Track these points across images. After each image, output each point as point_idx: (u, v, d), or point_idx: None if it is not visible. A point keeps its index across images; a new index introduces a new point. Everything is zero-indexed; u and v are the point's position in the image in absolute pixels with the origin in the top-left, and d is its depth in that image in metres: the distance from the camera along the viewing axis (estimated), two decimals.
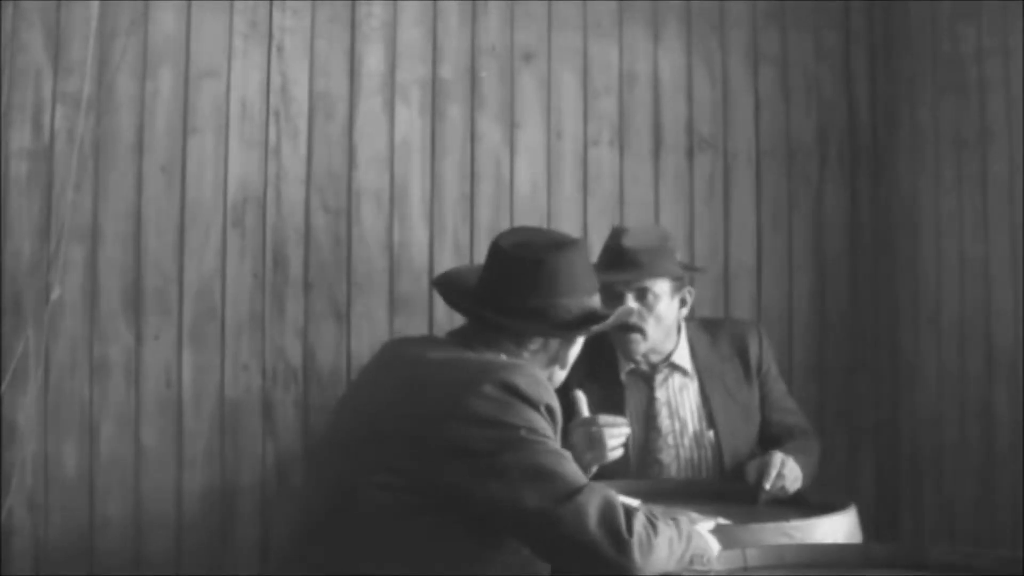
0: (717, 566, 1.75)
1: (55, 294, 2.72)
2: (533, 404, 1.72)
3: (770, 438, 2.61)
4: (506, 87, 3.10)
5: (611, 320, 1.94)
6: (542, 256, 1.90)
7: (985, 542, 2.78)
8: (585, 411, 2.29)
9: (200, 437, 2.83)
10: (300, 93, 2.95)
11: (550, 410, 1.75)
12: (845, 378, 3.27)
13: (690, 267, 2.79)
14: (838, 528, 2.08)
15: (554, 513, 1.65)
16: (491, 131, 3.09)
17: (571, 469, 1.70)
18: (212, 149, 2.87)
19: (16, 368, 2.67)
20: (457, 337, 1.94)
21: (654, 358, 2.61)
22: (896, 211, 3.26)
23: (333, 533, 1.75)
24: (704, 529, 1.87)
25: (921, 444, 3.15)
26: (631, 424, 2.44)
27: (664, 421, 2.58)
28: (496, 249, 1.96)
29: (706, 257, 3.20)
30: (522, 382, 1.72)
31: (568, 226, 3.11)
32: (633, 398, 2.59)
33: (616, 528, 1.64)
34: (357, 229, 2.97)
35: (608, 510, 1.65)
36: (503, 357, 1.86)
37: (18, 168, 2.74)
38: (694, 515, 1.99)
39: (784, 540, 1.95)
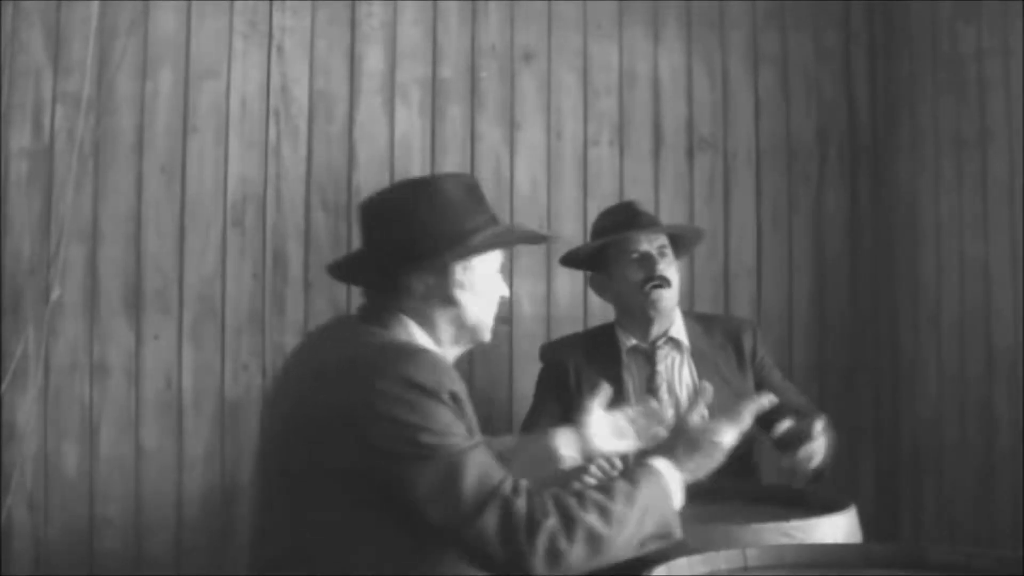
0: (679, 534, 1.75)
1: (55, 294, 2.72)
2: (434, 395, 1.67)
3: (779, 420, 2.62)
4: (506, 87, 3.10)
5: (487, 237, 1.84)
6: (389, 196, 1.90)
7: (985, 542, 2.79)
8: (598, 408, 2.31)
9: (200, 437, 2.83)
10: (300, 93, 2.95)
11: (454, 397, 1.70)
12: (845, 378, 3.27)
13: (689, 235, 2.82)
14: (838, 528, 2.07)
15: (456, 535, 1.64)
16: (491, 131, 3.09)
17: (472, 478, 1.64)
18: (212, 149, 2.87)
19: (16, 368, 2.67)
20: (361, 312, 1.90)
21: (662, 327, 2.66)
22: (896, 211, 3.26)
23: (274, 536, 1.75)
24: (675, 483, 1.83)
25: (921, 444, 3.14)
26: (632, 399, 2.57)
27: (663, 396, 2.63)
28: (359, 212, 1.95)
29: (706, 257, 3.20)
30: (419, 373, 1.67)
31: (568, 226, 3.12)
32: (633, 374, 2.66)
33: (517, 545, 1.61)
34: (357, 229, 2.96)
35: (508, 529, 1.61)
36: (404, 327, 1.81)
37: (18, 168, 2.74)
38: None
39: (784, 540, 1.95)
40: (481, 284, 1.86)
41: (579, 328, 3.01)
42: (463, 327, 1.86)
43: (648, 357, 2.67)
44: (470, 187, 1.90)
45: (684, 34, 3.23)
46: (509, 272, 3.07)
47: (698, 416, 1.91)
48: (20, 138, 2.74)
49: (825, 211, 3.29)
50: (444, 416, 1.67)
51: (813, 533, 2.01)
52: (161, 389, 2.81)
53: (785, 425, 2.38)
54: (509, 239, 1.96)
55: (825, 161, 3.30)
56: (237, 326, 2.87)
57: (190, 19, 2.86)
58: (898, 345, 3.25)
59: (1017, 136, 2.78)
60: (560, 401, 2.66)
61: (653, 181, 3.20)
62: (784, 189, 3.27)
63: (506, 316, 3.06)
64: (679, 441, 1.87)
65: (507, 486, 1.64)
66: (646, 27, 3.21)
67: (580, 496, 1.67)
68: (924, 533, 3.09)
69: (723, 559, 1.77)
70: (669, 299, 2.63)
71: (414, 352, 1.73)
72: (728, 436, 1.88)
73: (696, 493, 2.42)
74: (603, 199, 3.13)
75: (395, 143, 3.01)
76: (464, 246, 1.82)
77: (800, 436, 2.35)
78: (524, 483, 1.67)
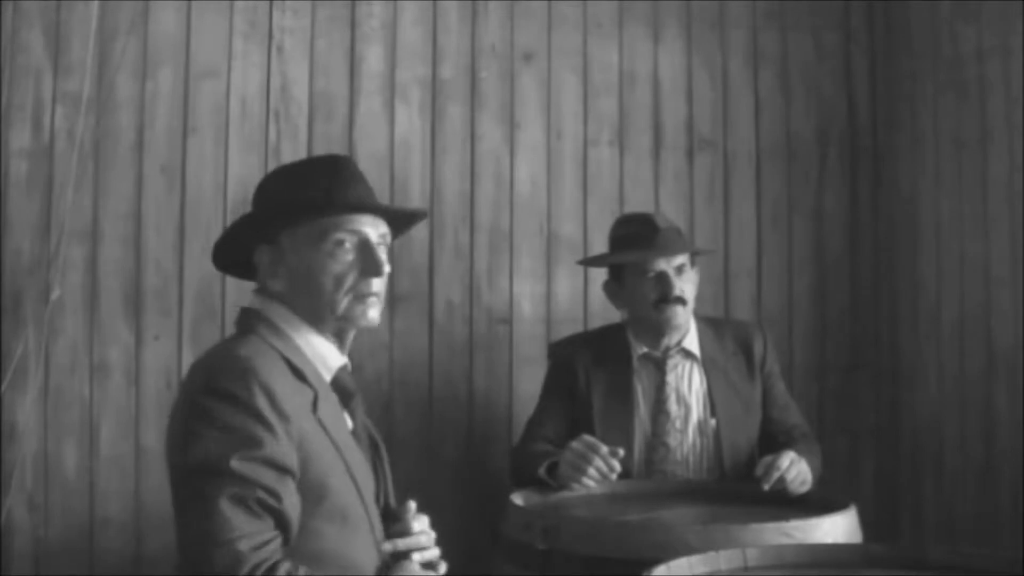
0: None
1: (55, 294, 2.72)
2: (231, 399, 1.65)
3: (770, 436, 2.63)
4: (506, 87, 3.10)
5: (306, 201, 1.79)
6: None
7: (985, 542, 2.78)
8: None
9: None
10: (300, 93, 2.95)
11: (247, 408, 1.65)
12: (845, 378, 3.27)
13: (704, 251, 2.88)
14: (838, 528, 2.08)
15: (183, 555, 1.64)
16: (491, 131, 3.09)
17: (213, 521, 1.59)
18: (212, 149, 2.87)
19: (16, 368, 2.67)
20: (236, 320, 1.89)
21: (674, 338, 2.67)
22: (896, 211, 3.26)
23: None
24: None
25: (921, 444, 3.14)
26: (641, 407, 2.61)
27: (672, 405, 2.63)
28: None
29: (706, 257, 3.20)
30: (226, 383, 1.66)
31: (568, 226, 3.12)
32: (643, 381, 2.65)
33: None
34: None
35: None
36: (268, 321, 1.80)
37: (18, 168, 2.74)
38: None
39: (784, 540, 1.95)
40: (291, 264, 1.80)
41: (579, 329, 3.01)
42: (303, 311, 1.80)
43: (658, 365, 2.66)
44: (334, 164, 1.86)
45: (684, 34, 3.23)
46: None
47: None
48: (20, 138, 2.74)
49: (825, 211, 3.29)
50: (239, 427, 1.63)
51: (813, 533, 2.01)
52: (161, 389, 2.81)
53: (764, 463, 2.39)
54: (326, 207, 1.80)
55: (825, 161, 3.30)
56: None
57: (190, 19, 2.86)
58: (898, 345, 3.25)
59: (1017, 136, 2.78)
60: (567, 402, 2.66)
61: (653, 181, 3.20)
62: (784, 189, 3.27)
63: (506, 317, 3.06)
64: None
65: (246, 544, 1.58)
66: (646, 27, 3.21)
67: None
68: (924, 533, 3.10)
69: (723, 559, 1.77)
70: (684, 315, 2.63)
71: (223, 361, 1.71)
72: None
73: (697, 493, 2.44)
74: (603, 199, 3.14)
75: (395, 143, 3.01)
76: (282, 211, 1.80)
77: (767, 472, 2.37)
78: (271, 548, 1.61)
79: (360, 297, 1.80)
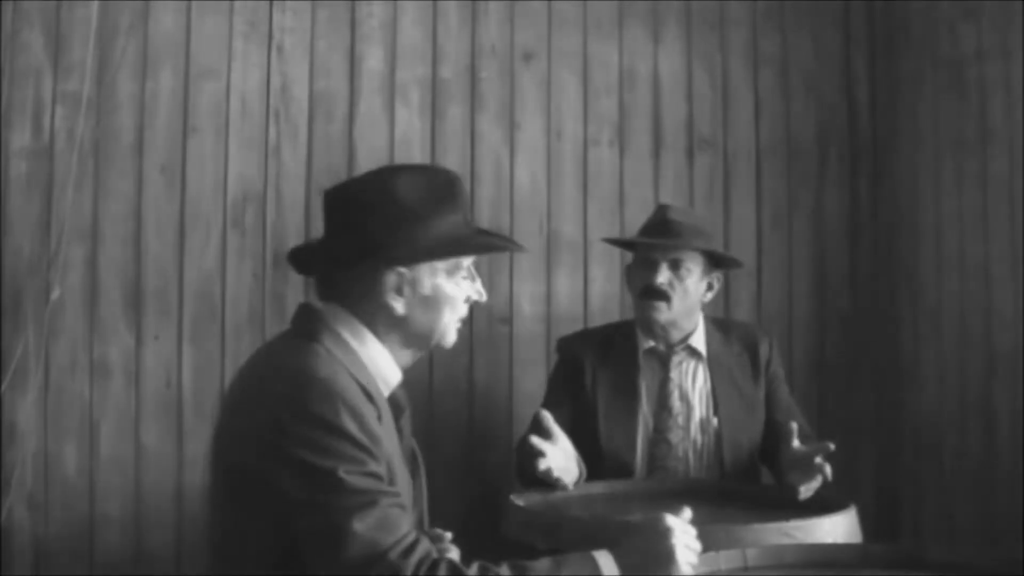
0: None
1: (55, 294, 2.72)
2: (328, 427, 1.58)
3: (774, 438, 2.62)
4: (506, 87, 3.10)
5: (414, 248, 1.73)
6: (344, 188, 1.83)
7: (985, 542, 2.79)
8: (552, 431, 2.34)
9: (200, 437, 2.83)
10: (300, 93, 2.95)
11: (342, 432, 1.58)
12: (845, 377, 3.28)
13: (727, 256, 2.80)
14: (838, 528, 2.08)
15: None
16: (491, 131, 3.09)
17: (356, 542, 1.52)
18: (212, 149, 2.87)
19: (16, 368, 2.67)
20: (293, 320, 1.80)
21: (675, 335, 2.66)
22: (896, 211, 3.27)
23: (210, 544, 1.73)
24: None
25: (921, 444, 3.15)
26: (645, 404, 2.61)
27: (675, 402, 2.63)
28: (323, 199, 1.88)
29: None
30: (317, 407, 1.58)
31: (568, 226, 3.12)
32: (647, 377, 2.65)
33: None
34: None
35: None
36: (335, 335, 1.71)
37: (18, 168, 2.74)
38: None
39: (784, 540, 1.95)
40: (423, 291, 1.76)
41: (579, 328, 3.00)
42: (408, 334, 1.76)
43: (663, 362, 2.66)
44: (434, 185, 1.79)
45: (684, 34, 3.23)
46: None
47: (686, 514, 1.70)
48: (20, 138, 2.74)
49: (825, 211, 3.29)
50: (339, 450, 1.57)
51: (813, 533, 2.01)
52: (161, 389, 2.81)
53: (796, 446, 2.34)
54: (439, 253, 1.77)
55: (825, 161, 3.30)
56: (237, 326, 2.87)
57: (190, 19, 2.86)
58: (898, 345, 3.25)
59: (1017, 136, 2.78)
60: (573, 399, 2.66)
61: (653, 181, 3.20)
62: (784, 189, 3.27)
63: (506, 316, 3.06)
64: (631, 537, 1.66)
65: (395, 552, 1.52)
66: (646, 27, 3.21)
67: (485, 571, 1.54)
68: (924, 533, 3.10)
69: (723, 559, 1.77)
70: (666, 314, 2.60)
71: (305, 382, 1.62)
72: (685, 556, 1.61)
73: (697, 493, 2.44)
74: (603, 199, 3.14)
75: (395, 143, 3.01)
76: (386, 255, 1.73)
77: (809, 464, 2.30)
78: (423, 548, 1.54)
79: (459, 321, 1.84)
